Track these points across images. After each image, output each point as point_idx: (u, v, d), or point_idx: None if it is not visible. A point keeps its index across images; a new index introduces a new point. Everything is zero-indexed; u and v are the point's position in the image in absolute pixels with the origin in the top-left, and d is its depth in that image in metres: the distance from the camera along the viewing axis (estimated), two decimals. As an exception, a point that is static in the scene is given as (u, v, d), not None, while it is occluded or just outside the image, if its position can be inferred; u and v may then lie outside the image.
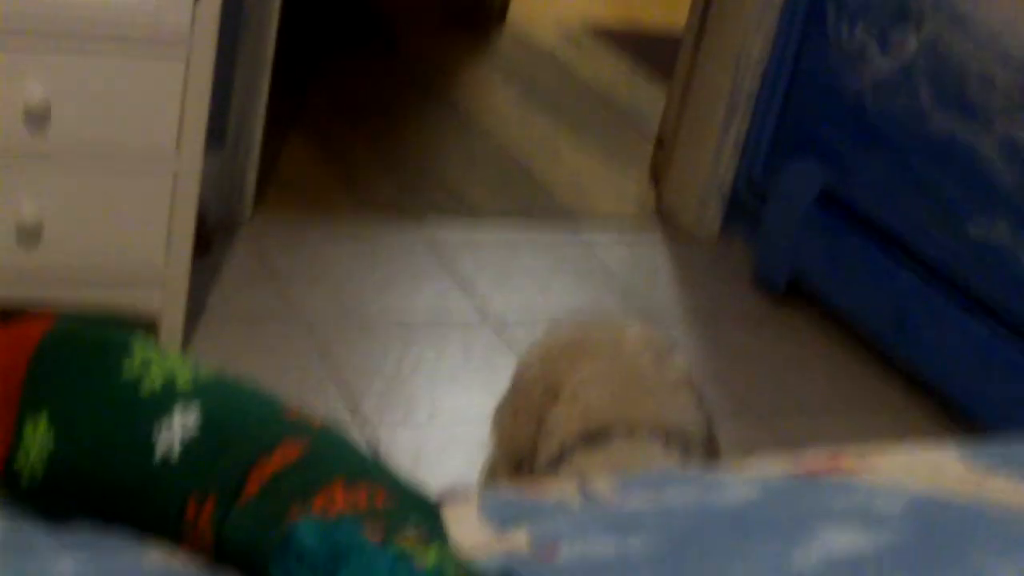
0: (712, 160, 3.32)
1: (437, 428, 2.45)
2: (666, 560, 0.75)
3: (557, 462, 1.61)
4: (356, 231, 3.09)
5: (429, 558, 0.74)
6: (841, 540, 0.79)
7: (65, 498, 0.93)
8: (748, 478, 0.93)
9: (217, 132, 2.76)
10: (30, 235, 2.28)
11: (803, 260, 3.07)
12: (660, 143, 3.55)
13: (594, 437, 1.60)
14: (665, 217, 3.47)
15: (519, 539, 0.79)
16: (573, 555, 0.75)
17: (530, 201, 3.44)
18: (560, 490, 0.87)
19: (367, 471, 0.87)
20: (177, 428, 0.91)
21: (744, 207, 3.32)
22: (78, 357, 0.95)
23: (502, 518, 0.82)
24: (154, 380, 0.93)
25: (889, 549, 0.78)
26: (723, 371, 2.83)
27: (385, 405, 2.48)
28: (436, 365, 2.64)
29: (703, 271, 3.28)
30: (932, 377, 2.76)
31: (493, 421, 1.83)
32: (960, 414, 2.70)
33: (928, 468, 0.94)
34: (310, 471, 0.86)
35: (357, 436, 2.36)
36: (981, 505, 0.85)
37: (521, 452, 1.71)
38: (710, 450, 1.68)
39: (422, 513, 0.82)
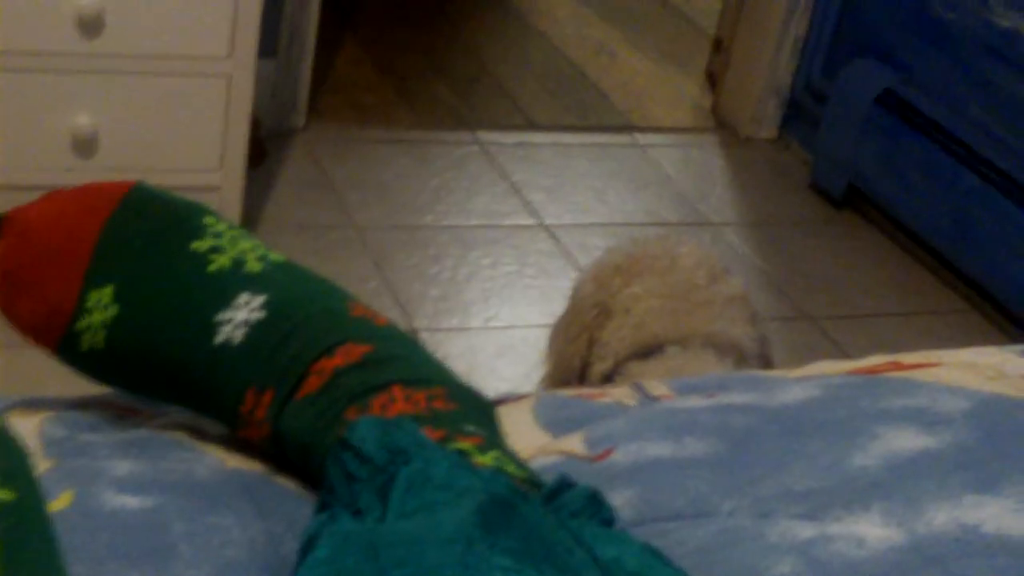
0: (770, 61, 3.27)
1: (492, 334, 2.45)
2: (723, 461, 0.74)
3: (611, 376, 1.61)
4: (410, 138, 3.08)
5: (488, 459, 0.73)
6: (902, 440, 0.78)
7: (124, 367, 0.91)
8: (806, 378, 0.91)
9: (270, 40, 2.75)
10: (86, 144, 2.28)
11: (863, 163, 3.03)
12: (717, 45, 3.50)
13: (647, 350, 1.59)
14: (722, 120, 3.43)
15: (574, 442, 0.78)
16: (628, 456, 0.75)
17: (586, 105, 3.41)
18: (616, 393, 0.86)
19: (428, 373, 0.86)
20: (242, 311, 0.88)
21: (803, 110, 3.28)
22: (150, 229, 0.93)
23: (557, 421, 0.81)
24: (223, 259, 0.91)
25: (951, 449, 0.77)
26: (779, 276, 2.80)
27: (440, 312, 2.48)
28: (491, 272, 2.64)
29: (760, 175, 3.25)
30: (993, 282, 2.72)
31: (549, 340, 1.82)
32: (1018, 318, 2.67)
33: (992, 367, 0.92)
34: (370, 371, 0.84)
35: (413, 342, 2.37)
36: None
37: (574, 369, 1.70)
38: (764, 367, 1.67)
39: (481, 417, 0.81)
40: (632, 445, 0.75)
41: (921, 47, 2.90)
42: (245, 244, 0.93)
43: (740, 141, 3.35)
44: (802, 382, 0.88)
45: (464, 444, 0.75)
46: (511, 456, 0.75)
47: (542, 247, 2.75)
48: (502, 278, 2.62)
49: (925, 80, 2.90)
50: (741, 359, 1.61)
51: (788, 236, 2.99)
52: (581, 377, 1.68)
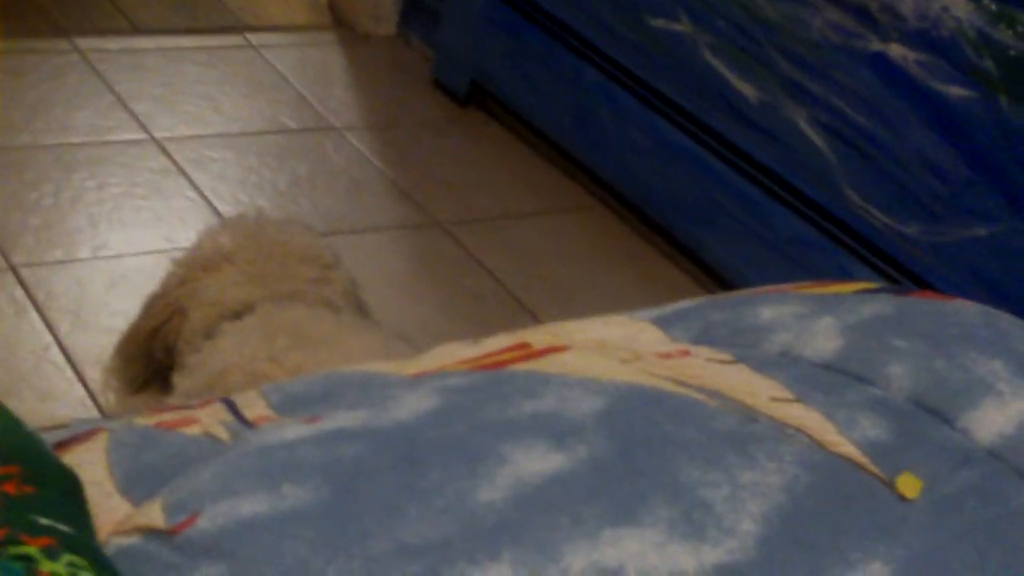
0: (385, -46, 3.15)
1: (102, 264, 2.26)
2: (328, 511, 0.63)
3: (201, 339, 1.55)
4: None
5: (59, 567, 0.60)
6: (532, 461, 0.69)
7: None
8: (424, 378, 0.82)
9: None
10: None
11: (485, 60, 2.95)
12: (330, -63, 3.34)
13: (237, 313, 1.55)
14: (339, 17, 3.29)
15: (153, 512, 0.66)
16: (215, 522, 0.63)
17: (194, 5, 3.20)
18: (206, 416, 0.74)
19: (3, 446, 0.71)
20: None
21: (423, 5, 3.17)
22: None
23: (136, 476, 0.69)
24: None
25: (584, 468, 0.69)
26: (404, 181, 2.71)
27: (42, 243, 2.28)
28: (98, 194, 2.44)
29: (382, 74, 3.13)
30: (616, 177, 2.71)
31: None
32: (643, 212, 2.67)
33: (624, 346, 0.85)
34: None
35: (11, 282, 2.16)
36: (682, 398, 0.76)
37: (157, 341, 1.65)
38: (359, 310, 1.67)
39: (63, 502, 0.67)
40: (221, 505, 0.63)
41: (537, -62, 2.83)
42: None
43: (359, 38, 3.22)
44: (418, 386, 0.78)
45: (30, 548, 0.61)
46: (91, 554, 0.62)
47: (153, 164, 2.57)
48: (110, 201, 2.43)
49: (542, -28, 2.84)
50: (332, 309, 1.60)
51: (412, 138, 2.90)
52: (169, 343, 1.62)
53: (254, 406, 0.76)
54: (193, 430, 0.74)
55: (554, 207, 2.76)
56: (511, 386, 0.77)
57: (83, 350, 2.03)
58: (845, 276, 2.26)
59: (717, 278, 2.53)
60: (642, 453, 0.70)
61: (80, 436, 0.75)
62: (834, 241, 2.32)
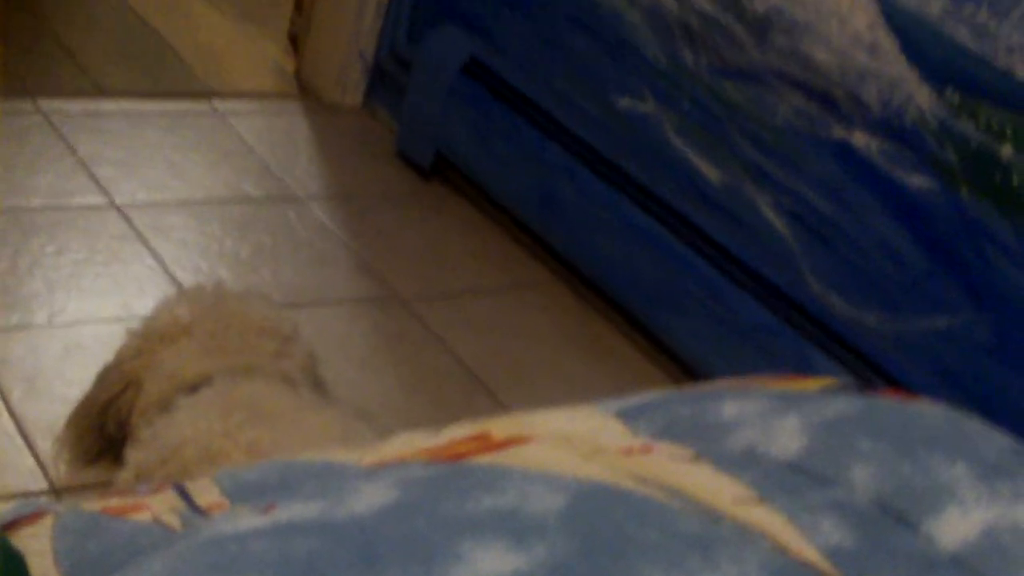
0: (352, 25, 3.15)
1: (58, 332, 2.24)
2: (280, 614, 0.62)
3: (156, 412, 1.53)
4: (-39, 108, 2.80)
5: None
6: (489, 560, 0.68)
7: None
8: (382, 469, 0.80)
9: None
10: None
11: (450, 133, 2.96)
12: (298, 6, 3.35)
13: (193, 386, 1.53)
14: (306, 86, 3.29)
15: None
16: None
17: (159, 69, 3.20)
18: (156, 504, 0.72)
19: None
20: None
21: (389, 76, 3.18)
22: None
23: (80, 566, 0.67)
24: None
25: (542, 570, 0.67)
26: (366, 254, 2.70)
27: (-2, 308, 2.25)
28: (56, 259, 2.42)
29: (346, 144, 3.13)
30: (579, 256, 2.71)
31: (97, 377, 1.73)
32: (604, 292, 2.67)
33: (587, 440, 0.84)
34: None
35: (-35, 346, 2.13)
36: (644, 498, 0.75)
37: (111, 414, 1.63)
38: (316, 388, 1.67)
39: None
40: (168, 604, 0.61)
41: (503, 14, 2.85)
42: None
43: (325, 108, 3.22)
44: (376, 478, 0.76)
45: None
46: None
47: (113, 230, 2.55)
48: (69, 267, 2.41)
49: (509, 49, 2.85)
50: (291, 384, 1.58)
51: (375, 209, 2.89)
52: (123, 414, 1.60)
53: (207, 493, 0.75)
54: (142, 516, 0.72)
55: (516, 283, 2.75)
56: (471, 479, 0.76)
57: (35, 419, 2.00)
58: (805, 363, 2.26)
59: (678, 361, 2.53)
60: (603, 555, 0.68)
61: (26, 518, 0.73)
62: (794, 328, 2.33)
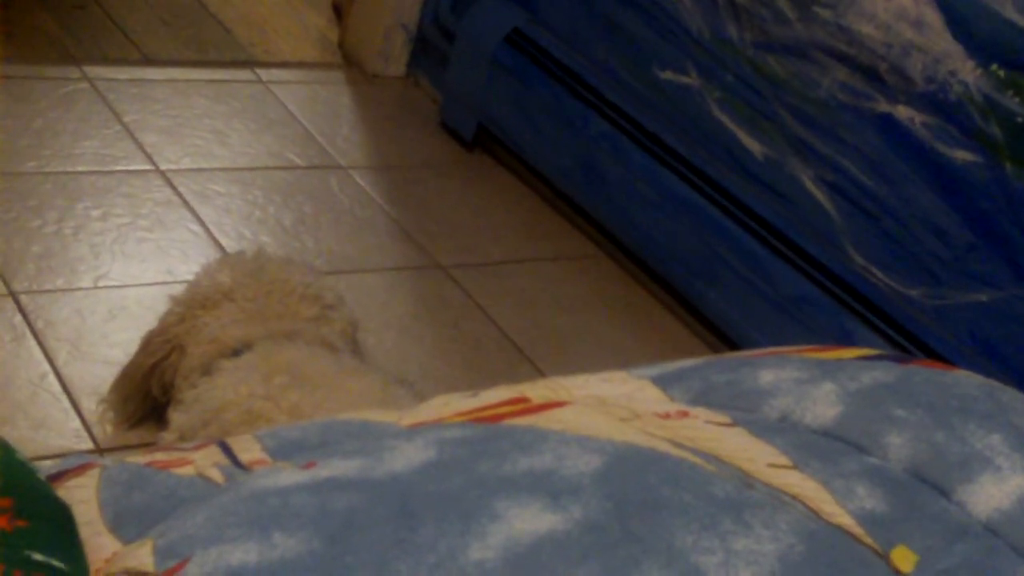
0: (397, -5, 3.16)
1: (103, 294, 2.26)
2: (318, 562, 0.63)
3: (199, 376, 1.55)
4: (8, 73, 2.82)
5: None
6: (525, 519, 0.69)
7: None
8: (420, 428, 0.81)
9: None
10: None
11: (492, 104, 2.96)
12: (343, -24, 3.36)
13: (235, 350, 1.55)
14: (349, 56, 3.30)
15: (143, 554, 0.65)
16: (204, 569, 0.62)
17: (204, 38, 3.22)
18: (200, 458, 0.74)
19: None
20: None
21: (432, 47, 3.19)
22: None
23: (127, 514, 0.68)
24: None
25: (578, 530, 0.68)
26: (408, 223, 2.72)
27: (44, 271, 2.28)
28: (101, 224, 2.44)
29: (389, 114, 3.14)
30: (620, 227, 2.71)
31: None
32: (645, 263, 2.67)
33: (623, 404, 0.85)
34: None
35: (11, 308, 2.16)
36: (679, 461, 0.76)
37: (155, 378, 1.65)
38: (357, 352, 1.69)
39: (56, 535, 0.66)
40: (211, 551, 0.63)
41: (549, -15, 2.85)
42: None
43: (368, 77, 3.23)
44: (416, 437, 0.78)
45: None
46: None
47: (158, 196, 2.57)
48: (113, 231, 2.43)
49: (553, 21, 2.85)
50: (331, 350, 1.60)
51: (418, 179, 2.90)
52: (167, 376, 1.62)
53: (249, 450, 0.76)
54: (186, 470, 0.73)
55: (556, 254, 2.76)
56: (508, 441, 0.77)
57: (80, 380, 2.02)
58: (846, 336, 2.26)
59: (717, 332, 2.53)
60: (637, 516, 0.69)
61: (73, 470, 0.74)
62: (835, 300, 2.32)
